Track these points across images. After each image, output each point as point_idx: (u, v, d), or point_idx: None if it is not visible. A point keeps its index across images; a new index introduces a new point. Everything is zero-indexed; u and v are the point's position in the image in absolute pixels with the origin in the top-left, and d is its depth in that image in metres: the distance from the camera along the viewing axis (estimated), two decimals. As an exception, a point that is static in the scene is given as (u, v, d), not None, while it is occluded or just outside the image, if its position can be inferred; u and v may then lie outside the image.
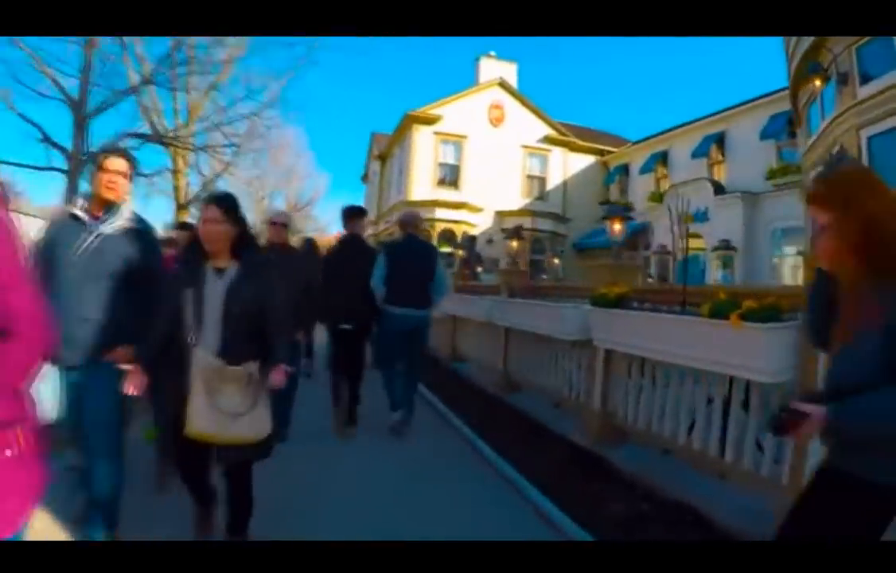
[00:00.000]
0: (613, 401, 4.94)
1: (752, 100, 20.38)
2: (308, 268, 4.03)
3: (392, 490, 4.44)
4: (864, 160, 9.63)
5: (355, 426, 5.88)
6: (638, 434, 4.58)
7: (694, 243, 21.10)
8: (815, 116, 12.82)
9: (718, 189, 20.12)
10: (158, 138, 13.88)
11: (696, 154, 21.87)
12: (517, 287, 7.80)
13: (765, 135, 19.47)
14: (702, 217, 20.38)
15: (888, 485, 1.61)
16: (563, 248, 26.46)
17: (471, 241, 23.80)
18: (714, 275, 19.70)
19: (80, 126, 11.44)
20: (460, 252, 15.85)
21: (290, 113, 36.78)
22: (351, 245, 5.92)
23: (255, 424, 2.92)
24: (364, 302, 5.66)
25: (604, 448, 4.72)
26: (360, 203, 39.74)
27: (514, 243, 18.14)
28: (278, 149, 32.86)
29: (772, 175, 19.37)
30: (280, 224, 5.33)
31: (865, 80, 9.88)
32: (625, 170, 27.11)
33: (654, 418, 4.32)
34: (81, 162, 9.02)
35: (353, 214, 6.04)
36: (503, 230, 23.54)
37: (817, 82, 10.88)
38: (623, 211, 25.61)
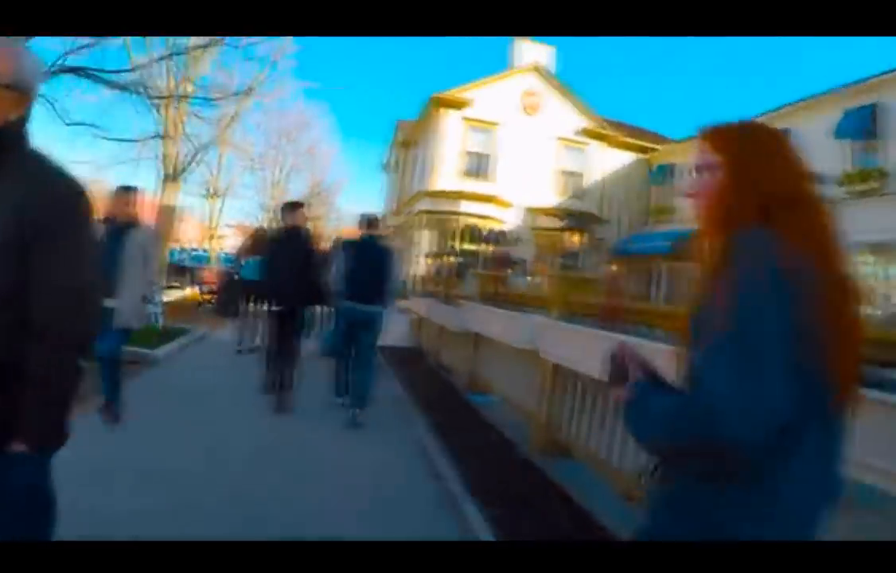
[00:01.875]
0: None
1: (822, 94, 17.86)
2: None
3: None
4: None
5: (289, 400, 6.24)
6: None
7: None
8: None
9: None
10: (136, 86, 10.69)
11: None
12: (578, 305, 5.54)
13: (839, 134, 16.94)
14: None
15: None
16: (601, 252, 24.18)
17: (499, 236, 21.64)
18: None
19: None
20: (485, 247, 13.43)
21: (301, 82, 33.46)
22: (288, 235, 6.41)
23: None
24: (296, 287, 6.13)
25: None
26: (379, 192, 38.50)
27: (576, 238, 14.70)
28: (296, 126, 30.85)
29: (847, 180, 16.83)
30: None
31: None
32: (671, 169, 24.62)
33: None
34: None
35: (290, 208, 6.69)
36: (567, 222, 21.17)
37: None
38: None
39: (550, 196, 23.66)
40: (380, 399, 6.69)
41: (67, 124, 8.58)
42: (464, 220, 21.84)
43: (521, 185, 22.94)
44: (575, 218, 19.47)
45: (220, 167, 23.97)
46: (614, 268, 21.96)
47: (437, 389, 7.90)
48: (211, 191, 23.97)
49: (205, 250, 26.85)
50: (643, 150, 26.02)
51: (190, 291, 18.28)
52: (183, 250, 25.89)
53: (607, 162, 24.97)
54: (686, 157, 23.40)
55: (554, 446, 5.14)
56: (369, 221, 6.43)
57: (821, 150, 17.19)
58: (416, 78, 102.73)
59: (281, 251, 6.31)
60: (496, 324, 6.71)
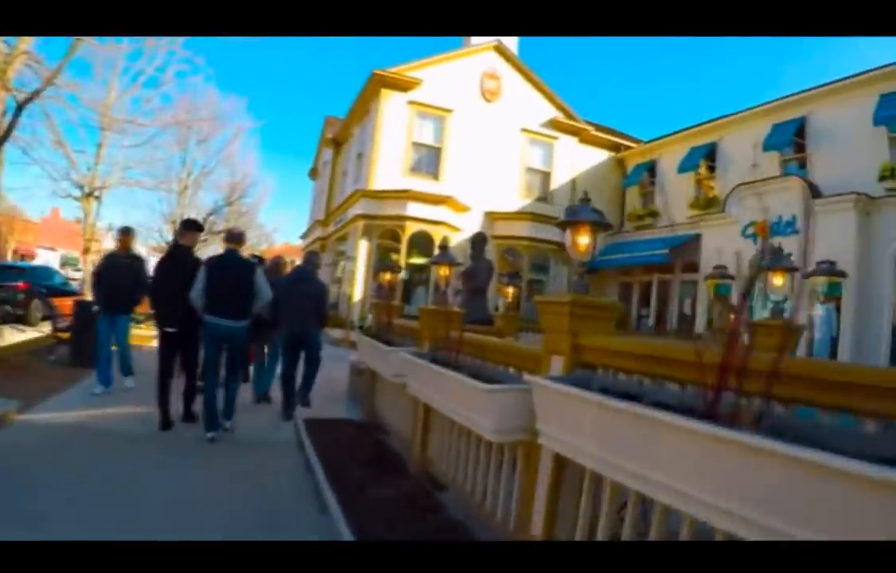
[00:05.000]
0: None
1: (853, 76, 14.66)
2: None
3: None
4: None
5: (193, 421, 6.37)
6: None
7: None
8: None
9: (814, 191, 14.21)
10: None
11: (770, 146, 16.05)
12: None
13: (878, 120, 13.74)
14: (786, 229, 14.50)
15: None
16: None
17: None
18: (809, 310, 13.75)
19: None
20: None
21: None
22: (177, 255, 6.63)
23: None
24: (186, 307, 6.10)
25: None
26: (308, 202, 33.23)
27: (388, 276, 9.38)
28: (208, 122, 25.74)
29: (888, 174, 13.59)
30: None
31: None
32: (650, 169, 21.21)
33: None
34: None
35: (186, 226, 6.93)
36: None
37: None
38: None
39: (513, 198, 19.78)
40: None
41: None
42: (411, 227, 17.53)
43: (479, 185, 18.98)
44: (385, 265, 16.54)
45: (98, 159, 18.15)
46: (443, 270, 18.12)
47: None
48: (86, 190, 18.05)
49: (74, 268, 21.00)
50: (617, 147, 22.56)
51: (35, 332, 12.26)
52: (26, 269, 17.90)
53: (578, 160, 21.32)
54: (672, 153, 20.04)
55: None
56: (231, 236, 6.60)
57: (852, 140, 14.29)
58: (352, 68, 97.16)
59: (171, 271, 6.43)
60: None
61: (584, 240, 3.34)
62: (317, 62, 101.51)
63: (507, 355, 4.16)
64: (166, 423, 6.10)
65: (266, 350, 8.31)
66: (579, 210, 3.39)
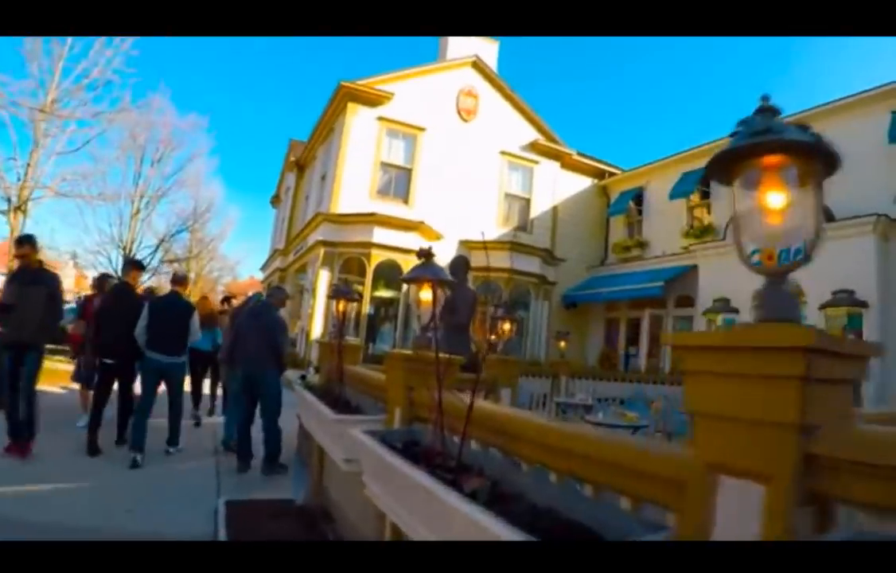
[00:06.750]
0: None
1: (871, 89, 13.42)
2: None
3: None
4: None
5: (125, 444, 6.61)
6: None
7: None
8: None
9: (827, 213, 12.74)
10: None
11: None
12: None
13: (893, 137, 12.45)
14: (796, 256, 12.93)
15: None
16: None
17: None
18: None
19: None
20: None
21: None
22: (121, 292, 7.10)
23: None
24: (126, 341, 6.52)
25: None
26: (270, 232, 31.51)
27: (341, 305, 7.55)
28: (164, 139, 24.03)
29: (907, 195, 12.25)
30: None
31: None
32: (636, 197, 19.77)
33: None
34: None
35: (129, 265, 7.89)
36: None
37: None
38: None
39: (491, 226, 18.10)
40: None
41: None
42: (377, 256, 15.68)
43: (454, 211, 17.29)
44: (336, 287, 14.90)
45: (31, 166, 15.90)
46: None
47: None
48: (11, 203, 15.66)
49: None
50: (601, 174, 21.16)
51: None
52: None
53: (559, 186, 19.83)
54: (661, 180, 18.63)
55: None
56: (176, 278, 7.16)
57: (868, 158, 12.91)
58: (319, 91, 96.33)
59: (113, 307, 6.84)
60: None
61: (779, 198, 1.42)
62: (284, 88, 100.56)
63: (580, 460, 1.95)
64: (94, 450, 6.36)
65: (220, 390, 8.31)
66: (768, 125, 1.44)
